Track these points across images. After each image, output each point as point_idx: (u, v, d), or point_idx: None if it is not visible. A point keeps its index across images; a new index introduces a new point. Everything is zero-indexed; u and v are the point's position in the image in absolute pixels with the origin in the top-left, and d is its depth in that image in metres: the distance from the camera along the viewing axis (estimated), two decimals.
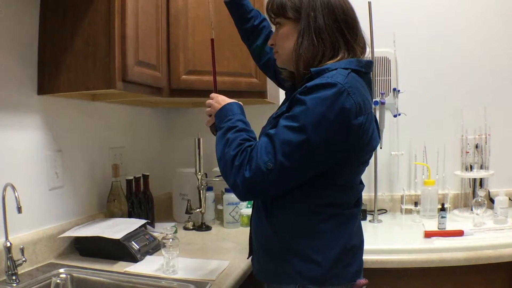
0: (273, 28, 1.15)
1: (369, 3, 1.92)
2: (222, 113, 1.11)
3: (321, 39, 1.03)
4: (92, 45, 1.32)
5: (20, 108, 1.35)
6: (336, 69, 0.99)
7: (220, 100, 1.14)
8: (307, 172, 0.98)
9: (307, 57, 1.04)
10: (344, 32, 1.04)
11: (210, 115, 1.16)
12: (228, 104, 1.12)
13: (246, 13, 1.40)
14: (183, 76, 1.66)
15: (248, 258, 1.25)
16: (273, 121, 1.06)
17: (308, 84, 0.96)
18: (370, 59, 1.08)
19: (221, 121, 1.09)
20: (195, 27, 1.66)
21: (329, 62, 1.03)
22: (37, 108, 1.41)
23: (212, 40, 1.33)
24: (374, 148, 1.07)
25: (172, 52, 1.63)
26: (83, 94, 1.56)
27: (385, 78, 2.09)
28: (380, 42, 1.97)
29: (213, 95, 1.19)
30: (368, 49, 1.12)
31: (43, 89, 1.40)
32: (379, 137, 1.11)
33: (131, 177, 1.77)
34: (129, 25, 1.34)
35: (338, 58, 1.03)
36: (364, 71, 1.05)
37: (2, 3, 1.27)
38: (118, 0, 1.30)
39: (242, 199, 1.08)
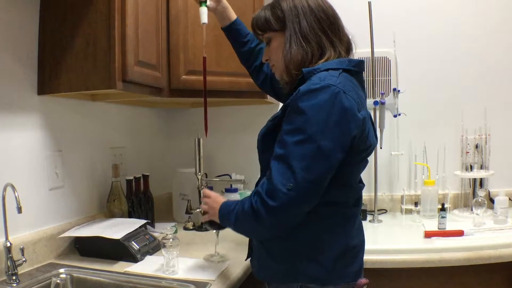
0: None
1: (369, 3, 1.92)
2: (224, 213, 1.11)
3: (307, 41, 1.06)
4: (92, 45, 1.32)
5: (20, 108, 1.35)
6: (327, 69, 1.00)
7: (216, 202, 1.15)
8: (330, 176, 0.98)
9: (297, 60, 1.06)
10: (327, 31, 1.07)
11: (206, 212, 1.19)
12: (222, 204, 1.13)
13: (242, 37, 1.46)
14: (183, 76, 1.66)
15: (246, 260, 1.26)
16: (269, 123, 1.08)
17: (301, 88, 0.97)
18: (361, 58, 1.11)
19: (228, 219, 1.09)
20: (195, 27, 1.66)
21: (319, 62, 1.05)
22: (37, 108, 1.41)
23: (204, 58, 1.40)
24: (371, 145, 1.07)
25: (172, 52, 1.63)
26: (83, 94, 1.56)
27: (385, 78, 2.09)
28: (380, 42, 1.98)
29: (206, 192, 1.20)
30: (353, 44, 1.14)
31: (43, 89, 1.40)
32: (376, 136, 1.13)
33: (131, 177, 1.77)
34: (129, 25, 1.34)
35: (326, 57, 1.05)
36: (356, 70, 1.07)
37: (2, 3, 1.27)
38: (118, 0, 1.30)
39: (281, 231, 1.03)
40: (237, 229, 1.09)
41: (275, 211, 0.96)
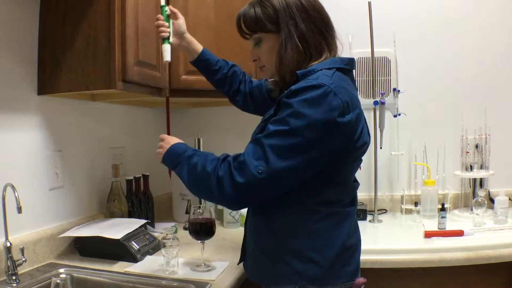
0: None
1: (369, 3, 1.92)
2: (174, 151, 1.09)
3: (306, 43, 1.04)
4: (92, 45, 1.32)
5: (20, 108, 1.35)
6: (321, 69, 1.00)
7: (167, 142, 1.13)
8: (302, 174, 0.98)
9: (293, 64, 1.04)
10: (323, 32, 1.06)
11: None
12: (173, 145, 1.11)
13: (212, 65, 1.44)
14: (183, 76, 1.66)
15: (238, 264, 1.25)
16: (261, 124, 1.07)
17: (293, 86, 0.97)
18: (352, 56, 1.11)
19: (176, 158, 1.07)
20: (195, 27, 1.66)
21: (314, 63, 1.04)
22: (37, 108, 1.41)
23: (167, 98, 1.47)
24: (365, 144, 1.06)
25: (172, 52, 1.63)
26: (83, 94, 1.56)
27: (385, 78, 2.09)
28: (380, 42, 1.98)
29: (161, 136, 1.18)
30: (340, 43, 1.12)
31: (43, 89, 1.40)
32: (369, 134, 1.11)
33: (131, 177, 1.77)
34: (129, 25, 1.34)
35: (323, 58, 1.04)
36: (349, 68, 1.06)
37: (2, 3, 1.27)
38: (118, 0, 1.30)
39: (236, 207, 1.05)
40: (189, 182, 1.04)
41: (239, 188, 0.95)
